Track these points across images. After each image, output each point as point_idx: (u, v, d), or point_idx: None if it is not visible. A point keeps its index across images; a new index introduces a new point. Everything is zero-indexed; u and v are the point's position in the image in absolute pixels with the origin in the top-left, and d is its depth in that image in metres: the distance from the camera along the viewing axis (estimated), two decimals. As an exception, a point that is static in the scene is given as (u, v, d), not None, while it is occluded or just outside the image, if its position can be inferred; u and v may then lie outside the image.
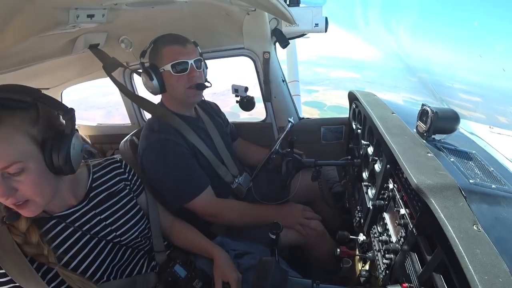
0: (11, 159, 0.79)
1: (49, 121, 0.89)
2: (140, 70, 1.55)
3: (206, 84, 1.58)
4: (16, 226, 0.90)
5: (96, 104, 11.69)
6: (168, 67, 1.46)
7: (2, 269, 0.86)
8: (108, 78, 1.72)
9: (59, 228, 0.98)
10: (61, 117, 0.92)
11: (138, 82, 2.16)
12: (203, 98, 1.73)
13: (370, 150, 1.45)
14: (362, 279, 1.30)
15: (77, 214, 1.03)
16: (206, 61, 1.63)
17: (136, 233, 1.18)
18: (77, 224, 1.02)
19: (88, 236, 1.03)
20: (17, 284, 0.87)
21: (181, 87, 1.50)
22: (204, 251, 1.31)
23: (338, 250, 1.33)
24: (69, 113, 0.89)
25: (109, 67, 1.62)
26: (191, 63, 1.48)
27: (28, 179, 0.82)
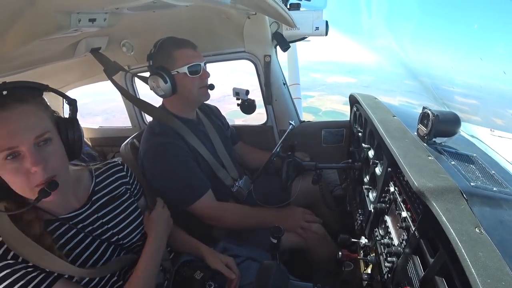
0: (44, 128, 0.88)
1: (53, 111, 1.00)
2: (141, 74, 1.55)
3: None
4: (28, 232, 0.90)
5: (93, 111, 11.79)
6: (184, 69, 1.49)
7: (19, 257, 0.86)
8: (109, 82, 1.72)
9: (63, 229, 1.00)
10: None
11: (139, 85, 2.17)
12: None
13: (371, 153, 1.45)
14: (364, 283, 1.29)
15: (80, 217, 1.05)
16: (209, 64, 1.66)
17: (138, 236, 1.18)
18: (80, 226, 1.03)
19: (91, 238, 1.04)
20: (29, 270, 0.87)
21: (195, 88, 1.54)
22: (193, 249, 1.34)
23: (340, 253, 1.32)
24: (73, 102, 1.04)
25: (110, 70, 1.62)
26: (202, 65, 1.54)
27: (54, 149, 0.91)
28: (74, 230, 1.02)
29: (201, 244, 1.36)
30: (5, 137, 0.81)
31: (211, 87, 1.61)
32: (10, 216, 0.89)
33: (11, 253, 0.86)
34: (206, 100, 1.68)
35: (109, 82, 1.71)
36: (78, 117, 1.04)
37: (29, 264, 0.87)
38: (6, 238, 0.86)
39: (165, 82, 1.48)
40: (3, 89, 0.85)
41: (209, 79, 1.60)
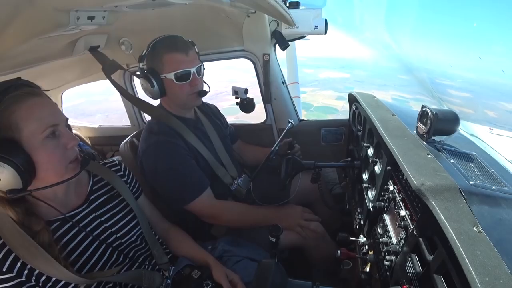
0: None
1: None
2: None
3: (205, 89, 1.59)
4: (36, 241, 0.91)
5: (86, 112, 11.77)
6: (170, 75, 1.45)
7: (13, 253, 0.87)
8: (105, 82, 1.72)
9: (65, 227, 1.01)
10: None
11: (138, 84, 2.16)
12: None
13: (370, 151, 1.45)
14: (362, 281, 1.30)
15: (79, 216, 1.05)
16: (206, 62, 1.63)
17: (136, 235, 1.19)
18: (81, 225, 1.04)
19: (91, 238, 1.05)
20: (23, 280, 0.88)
21: (183, 95, 1.51)
22: (199, 259, 1.32)
23: (339, 251, 1.32)
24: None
25: (109, 69, 1.61)
26: (193, 71, 1.48)
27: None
28: (76, 229, 1.02)
29: (209, 256, 1.32)
30: (48, 116, 0.91)
31: (201, 93, 1.55)
32: (18, 224, 0.89)
33: (12, 256, 0.86)
34: (195, 106, 1.66)
35: (105, 81, 1.70)
36: (72, 119, 1.06)
37: (23, 279, 0.87)
38: (9, 240, 0.87)
39: (152, 86, 1.46)
40: (21, 83, 0.92)
41: (204, 76, 1.59)
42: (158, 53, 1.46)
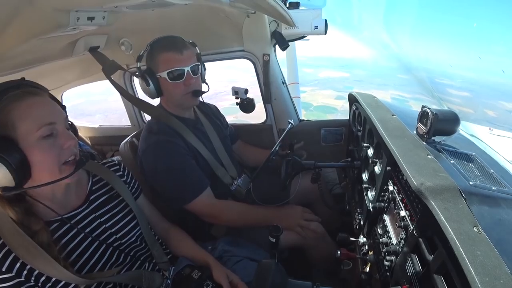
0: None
1: None
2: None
3: (204, 88, 1.59)
4: (36, 240, 0.90)
5: (85, 111, 11.78)
6: (164, 74, 1.46)
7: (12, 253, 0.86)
8: (105, 82, 1.72)
9: (64, 229, 1.00)
10: None
11: (138, 84, 2.17)
12: (202, 101, 1.74)
13: (370, 152, 1.45)
14: (362, 281, 1.30)
15: (78, 217, 1.05)
16: (206, 63, 1.63)
17: (135, 236, 1.19)
18: (80, 226, 1.04)
19: (90, 239, 1.05)
20: (22, 280, 0.88)
21: (177, 94, 1.51)
22: (199, 259, 1.31)
23: (339, 252, 1.32)
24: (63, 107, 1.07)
25: (108, 69, 1.61)
26: (188, 70, 1.47)
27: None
28: (75, 230, 1.02)
29: (209, 256, 1.32)
30: (46, 115, 0.90)
31: (196, 93, 1.54)
32: (18, 224, 0.89)
33: (11, 256, 0.86)
34: (191, 106, 1.65)
35: (105, 81, 1.70)
36: (71, 119, 1.05)
37: (22, 279, 0.87)
38: (8, 240, 0.87)
39: (147, 85, 1.47)
40: (24, 83, 0.93)
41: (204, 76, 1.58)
42: (154, 53, 1.47)
